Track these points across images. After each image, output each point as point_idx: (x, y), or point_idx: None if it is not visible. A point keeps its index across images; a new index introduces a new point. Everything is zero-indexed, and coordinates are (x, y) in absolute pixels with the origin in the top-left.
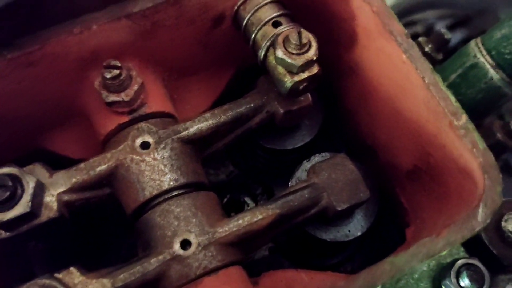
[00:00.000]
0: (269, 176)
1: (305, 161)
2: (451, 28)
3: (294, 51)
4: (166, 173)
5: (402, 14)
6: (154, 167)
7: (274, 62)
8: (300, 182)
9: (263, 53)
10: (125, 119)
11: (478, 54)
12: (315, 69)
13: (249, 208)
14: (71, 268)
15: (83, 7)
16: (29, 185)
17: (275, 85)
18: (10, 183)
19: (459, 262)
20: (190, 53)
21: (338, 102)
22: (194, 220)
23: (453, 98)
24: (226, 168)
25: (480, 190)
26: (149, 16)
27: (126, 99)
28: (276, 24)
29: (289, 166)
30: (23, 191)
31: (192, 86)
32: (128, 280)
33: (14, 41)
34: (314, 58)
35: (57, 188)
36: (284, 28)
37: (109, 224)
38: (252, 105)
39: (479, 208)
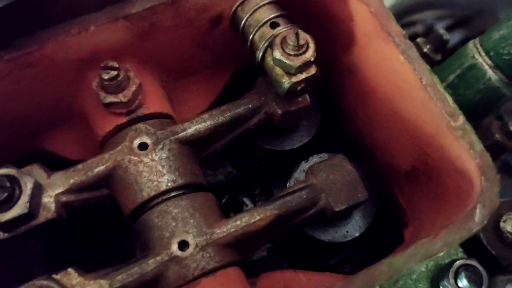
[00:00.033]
0: (267, 177)
1: (303, 161)
2: (450, 28)
3: (292, 52)
4: (164, 174)
5: (402, 14)
6: (152, 168)
7: (272, 63)
8: (298, 183)
9: (261, 54)
10: (123, 120)
11: (476, 55)
12: (312, 70)
13: (247, 209)
14: (69, 269)
15: (81, 8)
16: (27, 186)
17: (273, 86)
18: (8, 184)
19: (457, 262)
20: (188, 54)
21: (336, 103)
22: (192, 221)
23: (450, 99)
24: (225, 169)
25: (478, 191)
26: (147, 17)
27: (124, 100)
28: (274, 25)
29: (288, 166)
30: (21, 192)
31: (190, 87)
32: (126, 281)
33: (12, 42)
34: (312, 59)
35: (55, 189)
36: (282, 29)
37: (108, 224)
38: (250, 106)
39: (477, 209)
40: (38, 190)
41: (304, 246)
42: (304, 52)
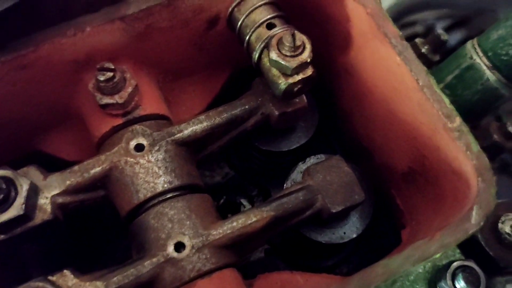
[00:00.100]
0: (265, 178)
1: (300, 163)
2: (451, 28)
3: (288, 53)
4: (160, 176)
5: (402, 14)
6: (148, 169)
7: (268, 64)
8: (295, 184)
9: (257, 55)
10: (119, 121)
11: (474, 55)
12: (309, 71)
13: (244, 210)
14: (65, 271)
15: (77, 9)
16: (23, 188)
17: (269, 87)
18: (3, 186)
19: (455, 264)
20: (185, 55)
21: (333, 104)
22: (188, 222)
23: (447, 101)
24: (222, 170)
25: (474, 193)
26: (143, 18)
27: (120, 101)
28: (270, 26)
29: (285, 167)
30: (16, 193)
31: (187, 88)
32: (122, 283)
33: (8, 44)
34: (308, 60)
35: (51, 191)
36: (278, 30)
37: (104, 226)
38: (247, 107)
39: (473, 210)
40: (34, 192)
41: (301, 247)
42: (301, 53)
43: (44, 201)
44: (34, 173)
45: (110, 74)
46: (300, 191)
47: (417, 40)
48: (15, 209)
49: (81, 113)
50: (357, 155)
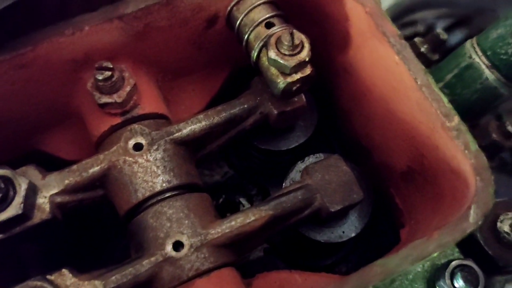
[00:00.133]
0: (264, 177)
1: (299, 162)
2: (451, 27)
3: (287, 52)
4: (159, 175)
5: (403, 13)
6: (147, 168)
7: (267, 63)
8: (293, 183)
9: (256, 54)
10: (117, 120)
11: (473, 54)
12: (308, 70)
13: (242, 209)
14: (63, 270)
15: (75, 8)
16: (21, 187)
17: (268, 86)
18: (2, 185)
19: (453, 263)
20: (184, 54)
21: (333, 103)
22: (186, 221)
23: (445, 100)
24: (221, 169)
25: (472, 192)
26: (141, 18)
27: (119, 100)
28: (269, 25)
29: (285, 167)
30: (15, 193)
31: (186, 87)
32: (120, 282)
33: (6, 43)
34: (307, 59)
35: (49, 190)
36: (277, 29)
37: (104, 225)
38: (245, 106)
39: (471, 209)
40: (32, 191)
41: (300, 247)
42: (299, 52)
43: (43, 200)
44: (32, 173)
45: (108, 73)
46: (299, 190)
47: (416, 39)
48: (14, 209)
49: (80, 112)
50: (356, 154)
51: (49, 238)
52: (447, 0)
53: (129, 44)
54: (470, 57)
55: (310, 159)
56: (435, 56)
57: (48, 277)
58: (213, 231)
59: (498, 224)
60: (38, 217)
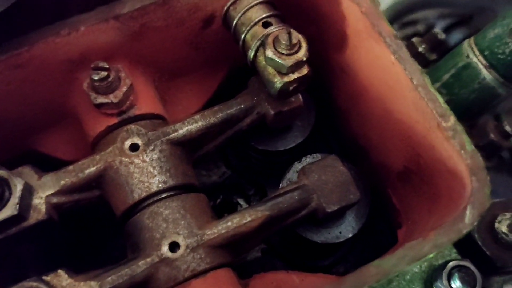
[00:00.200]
0: (262, 177)
1: (296, 162)
2: (452, 27)
3: (284, 52)
4: (155, 175)
5: (403, 13)
6: (143, 169)
7: (263, 62)
8: (290, 183)
9: (252, 53)
10: (114, 120)
11: (471, 54)
12: (305, 70)
13: (239, 209)
14: (59, 271)
15: (71, 8)
16: (17, 188)
17: (265, 86)
18: None
19: (451, 264)
20: (181, 54)
21: (330, 103)
22: (182, 222)
23: (441, 100)
24: (219, 169)
25: (468, 192)
26: (137, 18)
27: (115, 100)
28: (266, 25)
29: (283, 167)
30: (10, 193)
31: (183, 87)
32: (116, 283)
33: (1, 43)
34: (304, 58)
35: (45, 191)
36: (274, 28)
37: (103, 225)
38: (242, 106)
39: (467, 210)
40: (28, 192)
41: (297, 247)
42: (297, 52)
43: (39, 201)
44: (28, 173)
45: (104, 73)
46: (295, 190)
47: (414, 39)
48: (9, 209)
49: (76, 112)
50: (354, 154)
51: (46, 238)
52: (447, 0)
53: (125, 44)
54: (468, 56)
55: (307, 159)
56: (433, 55)
57: (44, 277)
58: (209, 232)
59: (496, 224)
60: (34, 217)
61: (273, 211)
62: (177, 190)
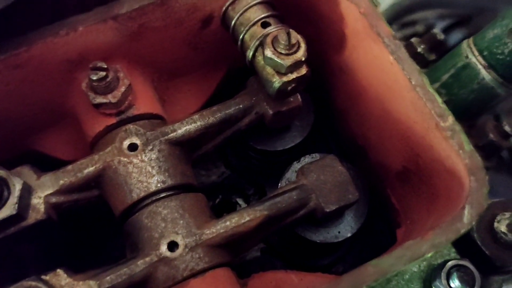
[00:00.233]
0: (261, 177)
1: (295, 162)
2: (452, 27)
3: (283, 51)
4: (154, 175)
5: (403, 13)
6: (142, 169)
7: (262, 62)
8: (289, 183)
9: (251, 53)
10: (112, 120)
11: (470, 54)
12: (303, 70)
13: (238, 209)
14: (58, 270)
15: (69, 9)
16: (16, 188)
17: (263, 86)
18: None
19: (450, 263)
20: (180, 54)
21: (329, 103)
22: (181, 221)
23: (440, 100)
24: (218, 169)
25: (466, 192)
26: (136, 18)
27: (113, 100)
28: (265, 25)
29: (282, 167)
30: (9, 193)
31: (182, 87)
32: (115, 282)
33: (0, 44)
34: (303, 59)
35: (44, 190)
36: (273, 28)
37: (103, 225)
38: (241, 106)
39: (465, 210)
40: (27, 192)
41: (296, 247)
42: (296, 52)
43: (38, 201)
44: (27, 173)
45: (102, 73)
46: (294, 190)
47: (413, 39)
48: (8, 209)
49: (75, 112)
50: (353, 154)
51: (45, 238)
52: (447, 0)
53: (124, 45)
54: (467, 57)
55: (305, 159)
56: (432, 56)
57: (43, 277)
58: (208, 231)
59: (495, 224)
60: (33, 217)
61: (272, 210)
62: (175, 190)
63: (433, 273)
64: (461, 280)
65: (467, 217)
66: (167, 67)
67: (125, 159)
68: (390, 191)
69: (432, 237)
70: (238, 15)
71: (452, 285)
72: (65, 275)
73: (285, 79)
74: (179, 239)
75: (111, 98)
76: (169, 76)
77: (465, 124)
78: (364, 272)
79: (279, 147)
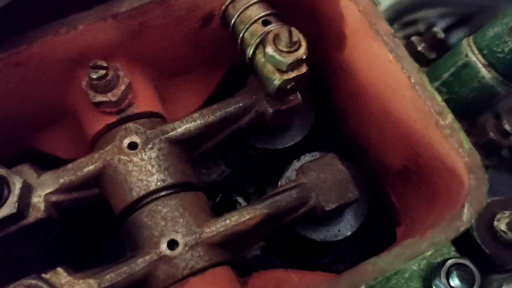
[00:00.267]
0: (261, 176)
1: (295, 160)
2: (453, 26)
3: (284, 49)
4: (154, 174)
5: (404, 12)
6: (142, 167)
7: (263, 60)
8: (288, 182)
9: (251, 51)
10: (112, 119)
11: (470, 53)
12: (303, 69)
13: (238, 208)
14: (58, 268)
15: (69, 7)
16: (16, 186)
17: (263, 84)
18: None
19: (449, 262)
20: (180, 52)
21: (329, 102)
22: (181, 220)
23: (439, 98)
24: (219, 168)
25: (466, 190)
26: (136, 16)
27: (113, 99)
28: (265, 23)
29: (282, 165)
30: (9, 192)
31: (183, 86)
32: (115, 281)
33: (0, 42)
34: (304, 57)
35: (44, 189)
36: (274, 26)
37: (103, 223)
38: (241, 104)
39: (464, 208)
40: (27, 190)
41: (296, 245)
42: (297, 50)
43: (38, 199)
44: (27, 172)
45: (102, 72)
46: (294, 189)
47: (414, 38)
48: (8, 207)
49: (75, 110)
50: (353, 153)
51: (45, 237)
52: None
53: (124, 43)
54: (467, 55)
55: (305, 158)
56: (432, 54)
57: (43, 275)
58: (208, 230)
59: (495, 222)
60: (33, 216)
61: (272, 209)
62: (175, 188)
63: (433, 271)
64: (461, 278)
65: (467, 215)
66: (168, 65)
67: (125, 157)
68: (390, 190)
69: (431, 235)
70: (238, 13)
71: (452, 283)
72: (65, 274)
73: (285, 77)
74: (179, 238)
75: (111, 96)
76: (169, 75)
77: (466, 122)
78: (363, 270)
79: (279, 146)
